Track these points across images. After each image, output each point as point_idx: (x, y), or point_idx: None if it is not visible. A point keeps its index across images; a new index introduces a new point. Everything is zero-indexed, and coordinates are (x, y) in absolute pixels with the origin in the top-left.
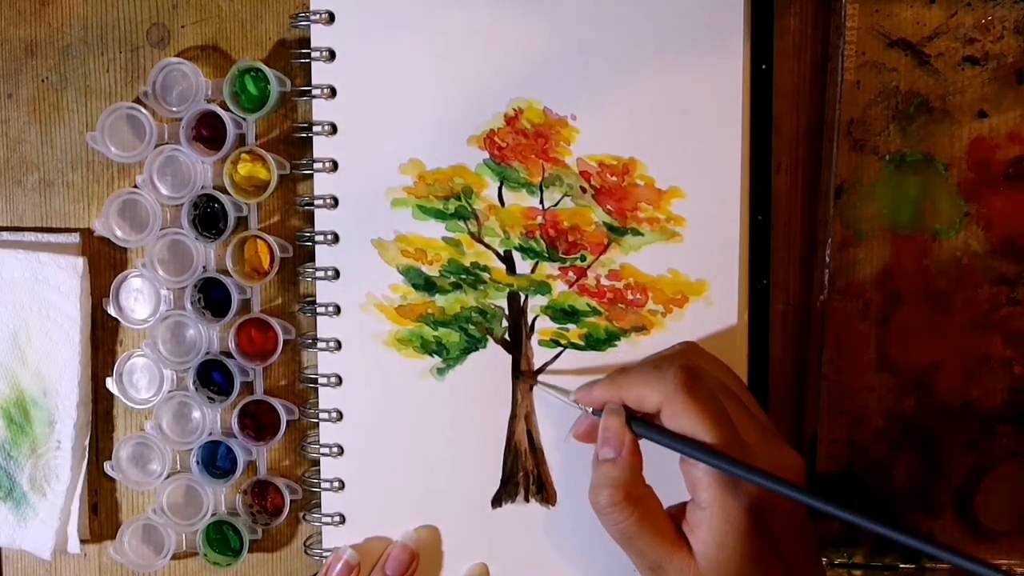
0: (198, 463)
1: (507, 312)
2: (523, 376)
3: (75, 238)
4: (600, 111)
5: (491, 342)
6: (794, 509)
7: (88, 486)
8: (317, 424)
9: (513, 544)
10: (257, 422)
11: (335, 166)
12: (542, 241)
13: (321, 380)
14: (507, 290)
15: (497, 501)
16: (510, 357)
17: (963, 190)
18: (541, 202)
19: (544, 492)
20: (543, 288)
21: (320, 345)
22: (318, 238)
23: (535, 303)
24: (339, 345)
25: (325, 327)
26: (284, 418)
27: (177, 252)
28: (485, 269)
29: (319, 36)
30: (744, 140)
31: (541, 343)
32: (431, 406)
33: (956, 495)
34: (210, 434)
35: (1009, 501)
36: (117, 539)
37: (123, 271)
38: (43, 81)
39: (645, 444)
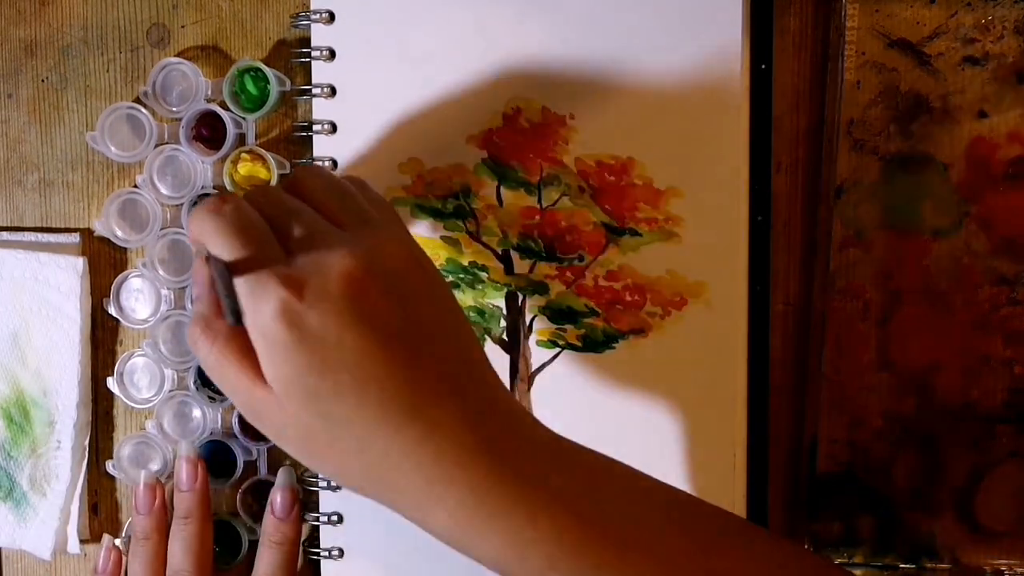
0: None
1: (505, 312)
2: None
3: (75, 238)
4: (598, 110)
5: (489, 342)
6: (363, 287)
7: (88, 486)
8: None
9: None
10: None
11: (334, 165)
12: (540, 241)
13: None
14: (505, 290)
15: None
16: (508, 357)
17: (963, 190)
18: (539, 201)
19: None
20: (541, 288)
21: None
22: None
23: (533, 303)
24: None
25: None
26: None
27: (177, 252)
28: (483, 268)
29: (319, 36)
30: (744, 140)
31: (539, 343)
32: None
33: (956, 495)
34: (211, 434)
35: (1009, 501)
36: (118, 539)
37: (123, 271)
38: (43, 81)
39: None
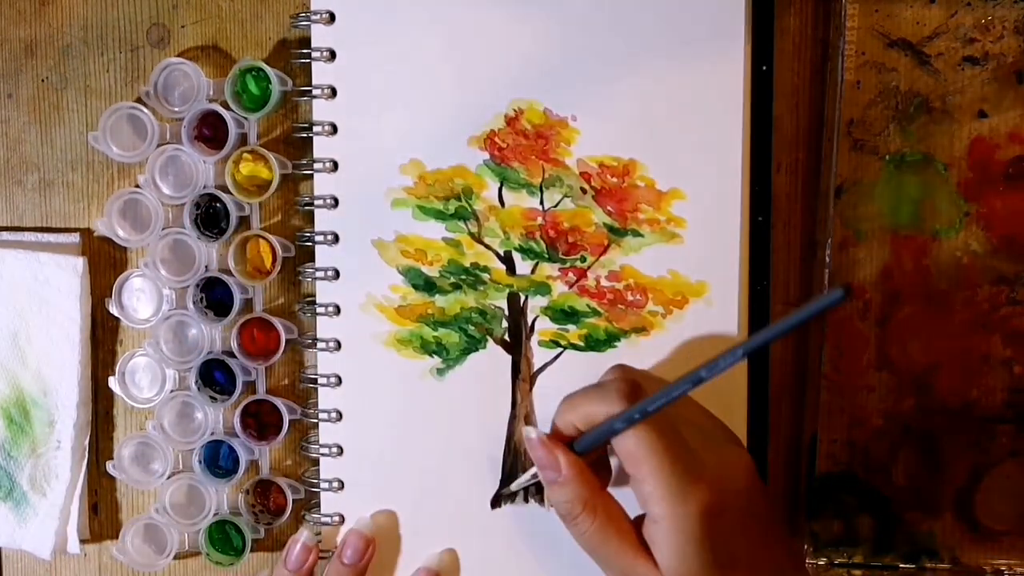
0: (200, 463)
1: (507, 313)
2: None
3: (75, 238)
4: (600, 112)
5: (491, 343)
6: (749, 503)
7: (88, 486)
8: (318, 424)
9: (512, 544)
10: (259, 422)
11: (335, 166)
12: (542, 242)
13: (321, 380)
14: (507, 291)
15: (496, 502)
16: (510, 358)
17: (963, 190)
18: (541, 203)
19: (543, 493)
20: (543, 289)
21: (320, 345)
22: (318, 238)
23: (535, 304)
24: (339, 345)
25: (325, 327)
26: (286, 418)
27: (179, 252)
28: (485, 270)
29: (319, 36)
30: (744, 140)
31: (541, 344)
32: (431, 407)
33: (956, 495)
34: (212, 434)
35: (1009, 501)
36: (120, 539)
37: (123, 271)
38: (43, 81)
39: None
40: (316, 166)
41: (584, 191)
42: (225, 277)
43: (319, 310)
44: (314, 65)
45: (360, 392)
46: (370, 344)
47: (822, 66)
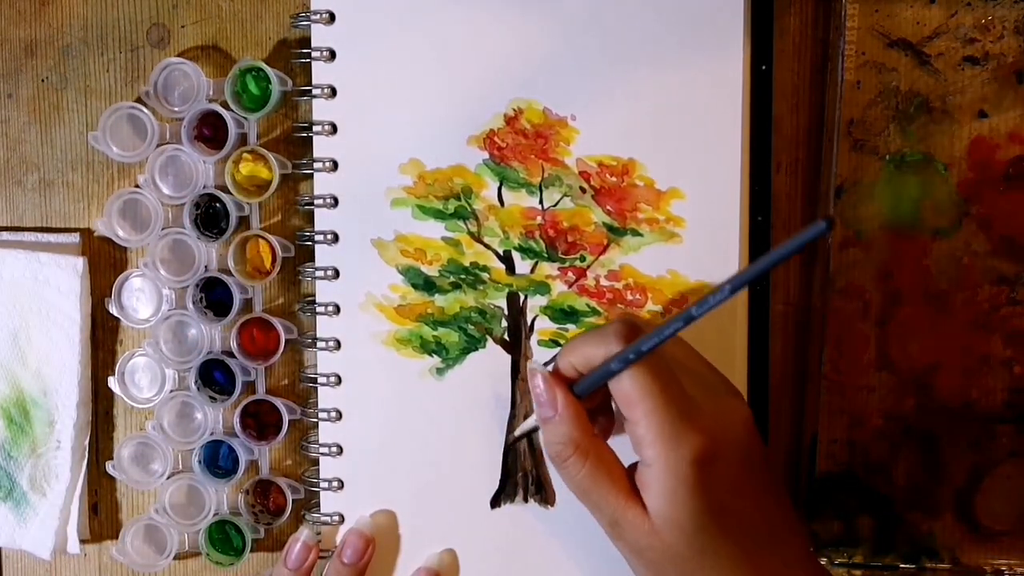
0: (200, 463)
1: (506, 312)
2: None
3: (75, 238)
4: (600, 112)
5: (490, 342)
6: (746, 456)
7: (88, 486)
8: (317, 424)
9: (512, 544)
10: (259, 421)
11: (335, 166)
12: (541, 241)
13: (320, 380)
14: (506, 290)
15: (496, 501)
16: (509, 357)
17: (963, 190)
18: (540, 202)
19: (543, 492)
20: (542, 288)
21: (320, 345)
22: (318, 238)
23: (534, 303)
24: (338, 345)
25: (324, 327)
26: (286, 417)
27: (179, 252)
28: (484, 269)
29: (319, 36)
30: (744, 140)
31: (540, 343)
32: (430, 406)
33: (956, 495)
34: (212, 434)
35: (1009, 501)
36: (120, 539)
37: (123, 271)
38: (43, 81)
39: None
40: (316, 166)
41: (583, 191)
42: (225, 277)
43: (319, 310)
44: (314, 65)
45: (360, 392)
46: (370, 344)
47: (822, 66)
